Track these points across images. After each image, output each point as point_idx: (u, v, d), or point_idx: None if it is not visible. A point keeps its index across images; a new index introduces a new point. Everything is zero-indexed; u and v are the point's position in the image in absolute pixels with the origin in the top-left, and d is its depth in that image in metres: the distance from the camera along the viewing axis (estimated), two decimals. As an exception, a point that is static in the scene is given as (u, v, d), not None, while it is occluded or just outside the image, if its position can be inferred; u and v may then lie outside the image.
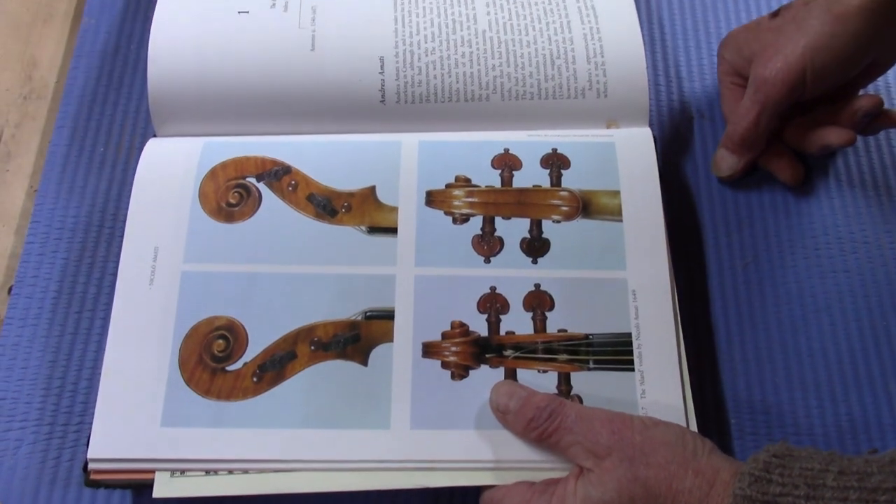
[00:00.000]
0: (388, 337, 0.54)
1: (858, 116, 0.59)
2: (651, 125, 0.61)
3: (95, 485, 0.52)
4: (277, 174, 0.59)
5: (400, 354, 0.54)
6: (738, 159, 0.61)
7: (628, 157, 0.59)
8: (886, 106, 0.64)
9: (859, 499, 0.41)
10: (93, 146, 0.64)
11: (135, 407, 0.53)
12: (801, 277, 0.60)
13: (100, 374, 0.54)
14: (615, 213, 0.58)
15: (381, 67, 0.61)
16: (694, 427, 0.52)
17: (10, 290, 0.60)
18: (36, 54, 0.69)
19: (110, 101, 0.66)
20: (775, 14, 0.60)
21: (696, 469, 0.46)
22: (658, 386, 0.53)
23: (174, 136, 0.61)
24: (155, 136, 0.61)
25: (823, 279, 0.60)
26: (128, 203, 0.58)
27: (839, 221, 0.62)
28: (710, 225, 0.62)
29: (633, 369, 0.54)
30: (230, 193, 0.58)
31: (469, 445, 0.52)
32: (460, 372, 0.54)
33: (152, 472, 0.51)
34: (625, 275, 0.56)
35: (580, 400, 0.53)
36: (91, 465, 0.52)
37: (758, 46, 0.60)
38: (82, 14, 0.70)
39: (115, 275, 0.56)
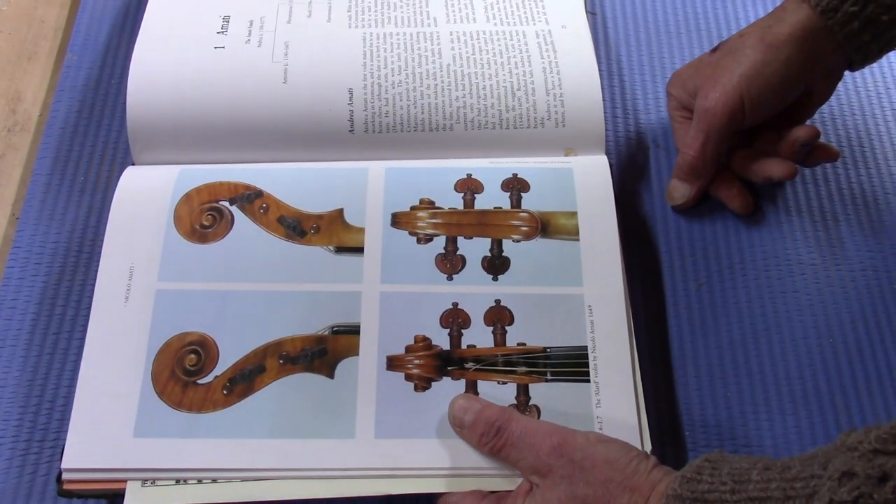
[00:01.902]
0: (353, 351, 0.57)
1: (797, 146, 0.62)
2: (609, 154, 0.65)
3: (68, 495, 0.53)
4: (249, 198, 0.62)
5: (365, 367, 0.56)
6: (690, 187, 0.64)
7: (585, 181, 0.62)
8: (831, 142, 0.68)
9: (778, 487, 0.43)
10: (73, 175, 0.67)
11: (108, 418, 0.54)
12: (752, 298, 0.62)
13: (76, 391, 0.55)
14: (572, 233, 0.60)
15: (350, 99, 0.64)
16: (647, 434, 0.54)
17: (-11, 312, 0.62)
18: (20, 89, 0.72)
19: (91, 132, 0.69)
20: (714, 49, 0.64)
21: (632, 486, 0.47)
22: (613, 396, 0.55)
23: (151, 164, 0.64)
24: (133, 164, 0.64)
25: (773, 300, 0.62)
26: (105, 229, 0.60)
27: (787, 245, 0.64)
28: (664, 249, 0.64)
29: (588, 380, 0.56)
30: (204, 216, 0.61)
31: (431, 454, 0.54)
32: (423, 384, 0.56)
33: (124, 481, 0.53)
34: (581, 291, 0.59)
35: (538, 410, 0.55)
36: (65, 476, 0.53)
37: (700, 80, 0.63)
38: (66, 51, 0.73)
39: (92, 297, 0.58)
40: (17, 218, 0.65)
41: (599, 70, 0.65)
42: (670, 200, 0.65)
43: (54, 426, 0.57)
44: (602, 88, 0.64)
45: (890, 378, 0.59)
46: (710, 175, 0.64)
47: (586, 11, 0.69)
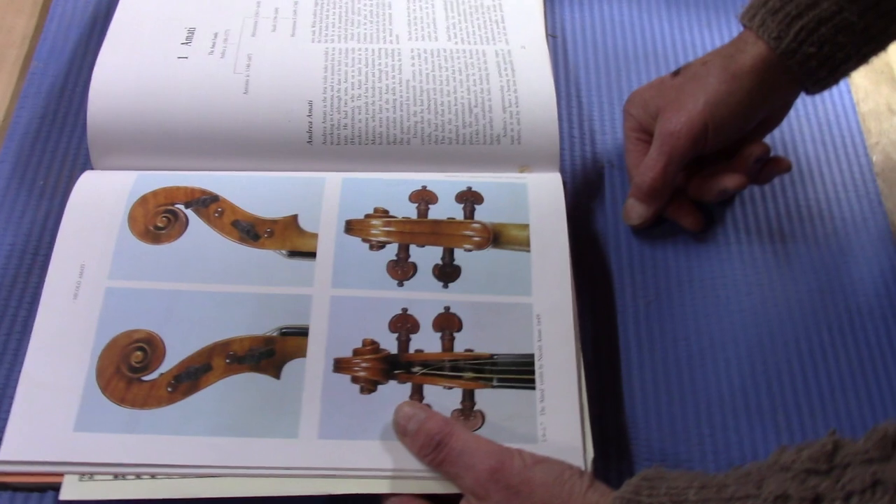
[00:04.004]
0: (301, 352, 0.57)
1: (751, 162, 0.64)
2: (564, 173, 0.66)
3: (2, 487, 0.53)
4: (205, 202, 0.62)
5: (312, 369, 0.56)
6: (647, 208, 0.65)
7: (538, 196, 0.63)
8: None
9: None
10: (32, 180, 0.67)
11: (49, 412, 0.54)
12: (699, 316, 0.63)
13: (18, 384, 0.55)
14: (524, 244, 0.61)
15: (310, 111, 0.65)
16: (590, 441, 0.54)
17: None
18: (-16, 97, 0.72)
19: (52, 139, 0.69)
20: (676, 73, 0.65)
21: None
22: (557, 403, 0.55)
23: (111, 169, 0.64)
24: (92, 169, 0.64)
25: (720, 318, 0.63)
26: (60, 231, 0.61)
27: (735, 266, 0.65)
28: (616, 265, 0.65)
29: (534, 387, 0.56)
30: (158, 218, 0.61)
31: (374, 455, 0.53)
32: (369, 386, 0.56)
33: (62, 475, 0.52)
34: (530, 300, 0.59)
35: (482, 416, 0.55)
36: (0, 468, 0.52)
37: (662, 103, 0.64)
38: (32, 60, 0.73)
39: (45, 298, 0.58)
40: (-26, 221, 0.66)
41: (558, 92, 0.67)
42: (627, 220, 0.66)
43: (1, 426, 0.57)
44: (560, 109, 0.66)
45: (831, 397, 0.60)
46: (667, 197, 0.65)
47: (547, 34, 0.71)
